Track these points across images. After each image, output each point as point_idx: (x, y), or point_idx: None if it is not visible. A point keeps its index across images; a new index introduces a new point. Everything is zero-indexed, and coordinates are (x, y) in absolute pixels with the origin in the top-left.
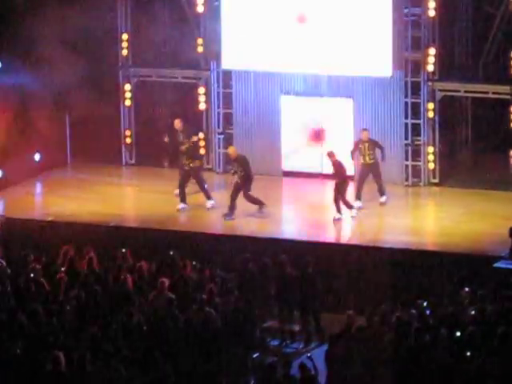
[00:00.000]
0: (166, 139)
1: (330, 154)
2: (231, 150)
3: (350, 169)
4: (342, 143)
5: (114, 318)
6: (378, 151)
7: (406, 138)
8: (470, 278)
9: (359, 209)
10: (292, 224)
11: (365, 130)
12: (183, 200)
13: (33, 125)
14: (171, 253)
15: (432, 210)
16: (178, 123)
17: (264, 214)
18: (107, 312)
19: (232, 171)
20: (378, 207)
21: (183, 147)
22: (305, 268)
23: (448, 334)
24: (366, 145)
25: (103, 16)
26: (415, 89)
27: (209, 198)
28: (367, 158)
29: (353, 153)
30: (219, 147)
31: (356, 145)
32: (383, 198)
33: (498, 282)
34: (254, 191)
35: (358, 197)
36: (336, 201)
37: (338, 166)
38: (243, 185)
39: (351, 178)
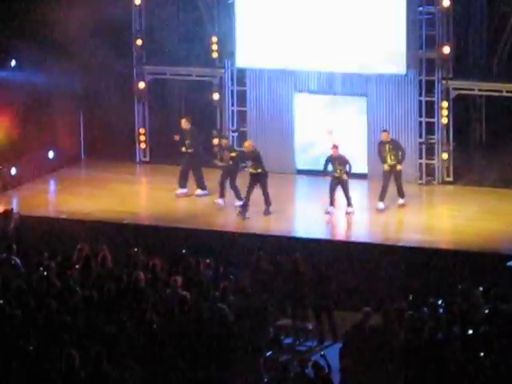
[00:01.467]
0: (177, 138)
1: (334, 146)
2: (247, 144)
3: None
4: (356, 142)
5: (128, 316)
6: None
7: (420, 137)
8: (484, 277)
9: (381, 211)
10: (305, 222)
11: (384, 131)
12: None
13: (46, 122)
14: (184, 251)
15: (446, 209)
16: (184, 123)
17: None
18: (121, 310)
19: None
20: (392, 206)
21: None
22: (318, 266)
23: (461, 333)
24: (387, 146)
25: (118, 14)
26: (429, 87)
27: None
28: (389, 160)
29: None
30: (233, 145)
31: (379, 146)
32: (401, 201)
33: (510, 280)
34: (268, 189)
35: (382, 198)
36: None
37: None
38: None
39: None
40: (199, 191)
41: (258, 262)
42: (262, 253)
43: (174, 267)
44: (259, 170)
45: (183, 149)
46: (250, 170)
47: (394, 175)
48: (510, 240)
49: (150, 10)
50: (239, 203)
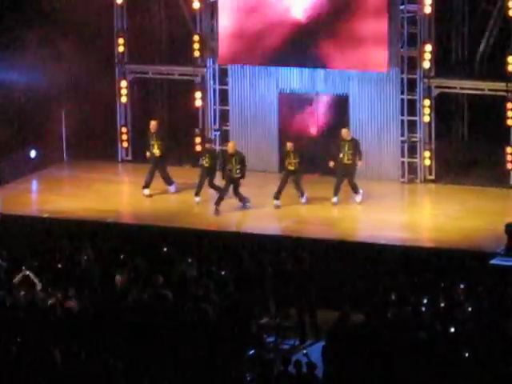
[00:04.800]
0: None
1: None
2: (231, 145)
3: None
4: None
5: (111, 314)
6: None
7: (402, 135)
8: (466, 275)
9: (334, 204)
10: (288, 220)
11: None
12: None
13: (28, 122)
14: (165, 249)
15: (428, 207)
16: (154, 125)
17: (250, 208)
18: (103, 308)
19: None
20: (374, 204)
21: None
22: (301, 264)
23: (443, 331)
24: (347, 144)
25: (99, 13)
26: (411, 85)
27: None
28: (345, 158)
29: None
30: (215, 144)
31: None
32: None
33: (493, 278)
34: (251, 188)
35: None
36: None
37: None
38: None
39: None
40: (171, 188)
41: (240, 261)
42: (244, 251)
43: (156, 266)
44: (239, 175)
45: (148, 154)
46: (234, 174)
47: (345, 173)
48: (491, 238)
49: (132, 9)
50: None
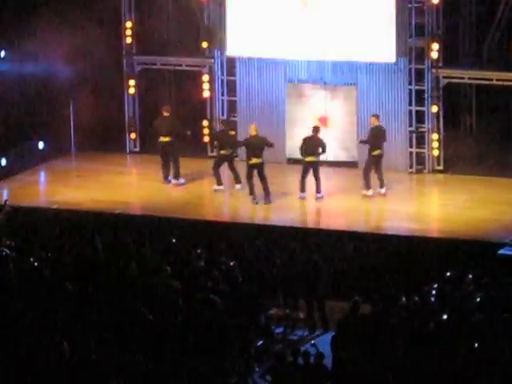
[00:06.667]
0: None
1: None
2: (253, 127)
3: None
4: (347, 130)
5: (119, 305)
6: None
7: (411, 125)
8: (474, 265)
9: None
10: (296, 211)
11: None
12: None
13: (37, 113)
14: (173, 240)
15: (436, 197)
16: (166, 111)
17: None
18: (112, 300)
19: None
20: (382, 194)
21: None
22: (310, 255)
23: (452, 321)
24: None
25: (107, 4)
26: (419, 76)
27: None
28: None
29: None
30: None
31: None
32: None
33: (501, 268)
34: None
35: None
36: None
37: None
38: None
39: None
40: (174, 180)
41: (249, 251)
42: (253, 242)
43: (165, 257)
44: (260, 160)
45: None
46: (253, 161)
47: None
48: (499, 228)
49: (140, 0)
50: (238, 187)
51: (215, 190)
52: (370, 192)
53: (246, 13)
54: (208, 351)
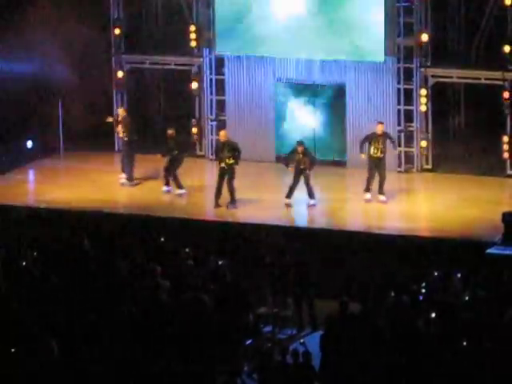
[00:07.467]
0: (110, 119)
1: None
2: (222, 133)
3: None
4: (335, 129)
5: (109, 304)
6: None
7: (399, 125)
8: (463, 264)
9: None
10: (285, 210)
11: (380, 123)
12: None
13: (25, 112)
14: (162, 239)
15: (425, 196)
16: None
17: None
18: (101, 299)
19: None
20: (371, 193)
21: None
22: (299, 254)
23: (440, 319)
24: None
25: (95, 3)
26: (408, 75)
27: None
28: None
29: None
30: (212, 134)
31: (368, 138)
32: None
33: (489, 267)
34: (247, 177)
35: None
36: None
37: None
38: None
39: None
40: (124, 180)
41: (237, 251)
42: (241, 241)
43: (154, 256)
44: (232, 162)
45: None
46: (226, 162)
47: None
48: (488, 227)
49: (129, 0)
50: (181, 191)
51: (179, 195)
52: (368, 195)
53: (234, 11)
54: (197, 351)
